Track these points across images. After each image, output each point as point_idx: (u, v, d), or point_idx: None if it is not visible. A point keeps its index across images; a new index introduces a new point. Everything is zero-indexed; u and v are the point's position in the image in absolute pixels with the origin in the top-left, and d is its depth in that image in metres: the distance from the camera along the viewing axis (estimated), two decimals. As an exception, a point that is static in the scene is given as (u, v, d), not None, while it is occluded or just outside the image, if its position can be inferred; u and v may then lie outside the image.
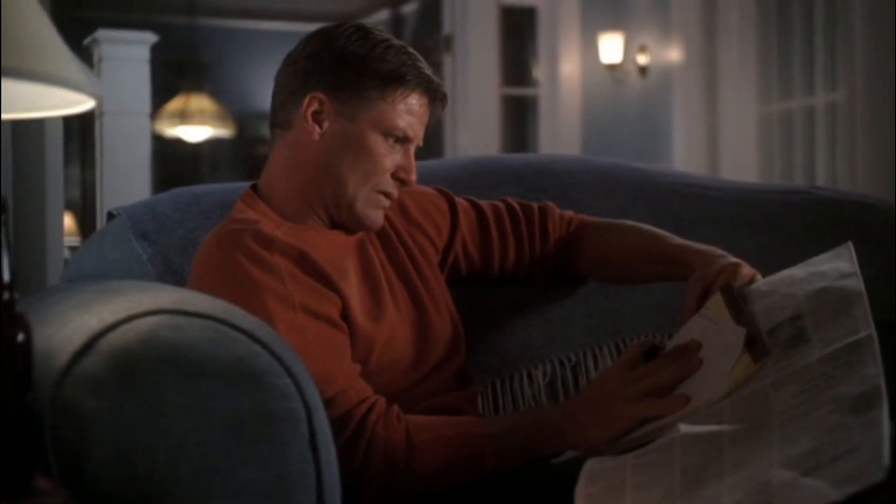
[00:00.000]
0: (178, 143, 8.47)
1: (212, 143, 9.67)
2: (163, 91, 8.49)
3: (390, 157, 1.58)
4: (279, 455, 1.15)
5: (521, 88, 7.06)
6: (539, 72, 6.94)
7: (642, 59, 6.38)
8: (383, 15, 10.20)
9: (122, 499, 1.09)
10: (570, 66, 6.76)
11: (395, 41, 1.60)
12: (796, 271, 1.51)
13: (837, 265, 1.46)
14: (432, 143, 7.56)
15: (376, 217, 1.60)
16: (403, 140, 1.58)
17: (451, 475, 1.44)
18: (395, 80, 1.56)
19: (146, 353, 1.11)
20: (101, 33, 3.61)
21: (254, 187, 1.64)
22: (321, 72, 1.57)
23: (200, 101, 7.79)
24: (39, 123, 3.59)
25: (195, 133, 7.93)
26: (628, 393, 1.42)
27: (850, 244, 1.48)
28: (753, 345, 1.38)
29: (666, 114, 6.25)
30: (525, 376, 1.82)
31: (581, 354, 1.85)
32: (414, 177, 1.60)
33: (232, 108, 9.87)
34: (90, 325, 1.13)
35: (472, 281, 1.80)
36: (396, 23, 9.80)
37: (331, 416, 1.38)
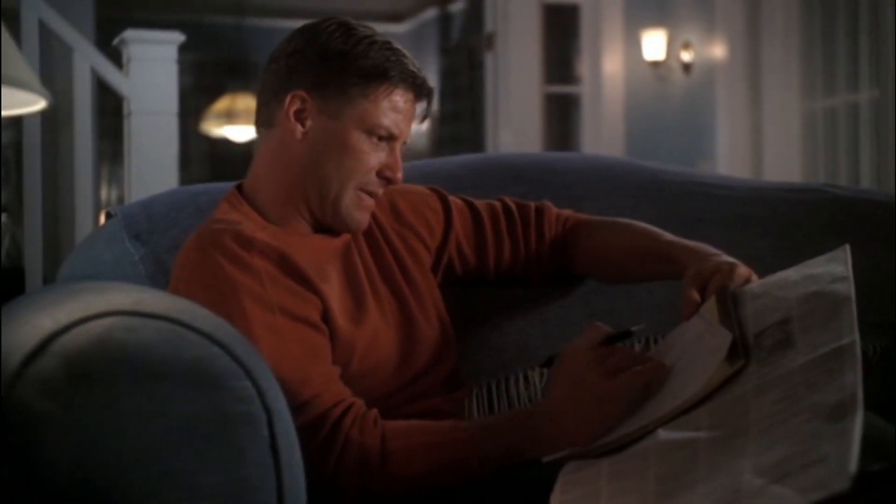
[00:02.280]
0: (228, 142, 8.53)
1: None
2: (210, 91, 8.56)
3: (375, 156, 1.56)
4: (237, 459, 1.13)
5: (563, 86, 7.01)
6: (582, 69, 6.88)
7: (686, 56, 6.30)
8: (431, 13, 10.20)
9: (76, 502, 1.08)
10: (613, 64, 6.70)
11: (380, 37, 1.58)
12: (791, 273, 1.47)
13: (831, 268, 1.42)
14: (474, 141, 7.55)
15: (361, 217, 1.58)
16: (388, 138, 1.56)
17: (430, 481, 1.41)
18: (378, 76, 1.54)
19: (100, 355, 1.10)
20: (129, 33, 3.61)
21: (240, 187, 1.63)
22: (304, 69, 1.55)
23: (247, 101, 7.83)
24: (69, 124, 3.62)
25: (241, 133, 7.98)
26: (602, 371, 1.38)
27: (847, 247, 1.44)
28: (734, 349, 1.35)
29: (709, 111, 6.17)
30: (521, 377, 1.80)
31: (579, 356, 1.82)
32: (400, 175, 1.58)
33: (281, 107, 9.93)
34: (44, 326, 1.11)
35: (469, 282, 1.77)
36: (444, 21, 9.80)
37: (305, 419, 1.37)
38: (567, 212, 1.81)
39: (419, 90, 1.59)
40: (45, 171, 3.47)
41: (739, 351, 1.35)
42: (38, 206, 3.41)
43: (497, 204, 1.78)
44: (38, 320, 1.13)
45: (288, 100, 1.55)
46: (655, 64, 6.45)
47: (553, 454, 1.38)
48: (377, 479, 1.39)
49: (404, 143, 1.61)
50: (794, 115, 5.90)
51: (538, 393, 1.80)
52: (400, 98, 1.56)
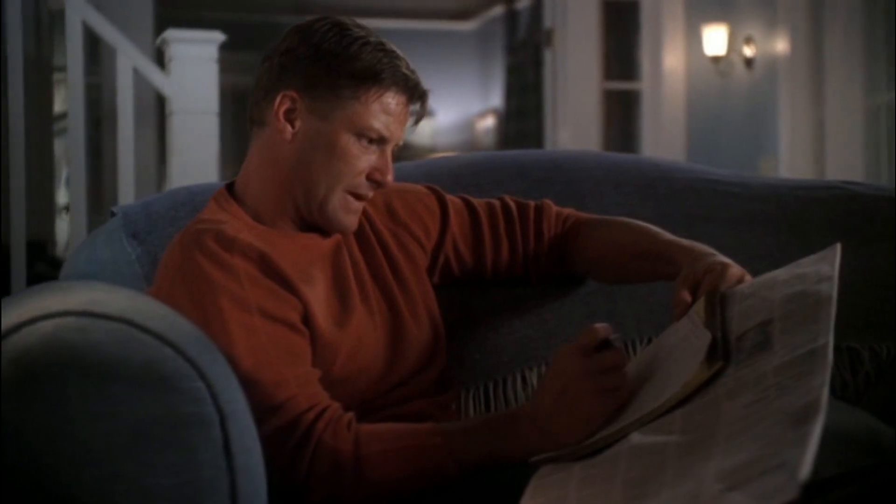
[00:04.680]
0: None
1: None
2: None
3: (364, 158, 1.54)
4: (189, 461, 1.13)
5: (623, 83, 6.95)
6: (642, 65, 6.81)
7: (748, 51, 6.20)
8: (497, 11, 10.19)
9: None
10: (673, 59, 6.62)
11: (374, 38, 1.56)
12: (781, 273, 1.43)
13: (819, 268, 1.38)
14: (531, 139, 7.51)
15: (349, 220, 1.57)
16: (379, 141, 1.55)
17: (406, 486, 1.39)
18: (370, 78, 1.52)
19: (49, 356, 1.10)
20: (170, 33, 3.65)
21: (230, 186, 1.63)
22: (295, 69, 1.54)
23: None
24: (112, 125, 3.67)
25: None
26: (595, 387, 1.34)
27: (838, 246, 1.39)
28: (715, 351, 1.32)
29: (772, 107, 6.06)
30: (519, 378, 1.77)
31: (578, 356, 1.79)
32: (390, 178, 1.56)
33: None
34: (-5, 326, 1.12)
35: (467, 282, 1.75)
36: (511, 18, 9.78)
37: (279, 423, 1.36)
38: (568, 210, 1.78)
39: (412, 92, 1.57)
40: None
41: (718, 353, 1.32)
42: (82, 204, 3.45)
43: (496, 203, 1.76)
44: (-9, 319, 1.14)
45: (278, 99, 1.54)
46: (716, 59, 6.35)
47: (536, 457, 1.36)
48: (350, 484, 1.37)
49: (397, 145, 1.58)
50: (857, 111, 5.77)
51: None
52: (392, 100, 1.54)
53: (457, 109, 10.72)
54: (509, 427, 1.40)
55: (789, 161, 5.91)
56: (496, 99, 10.15)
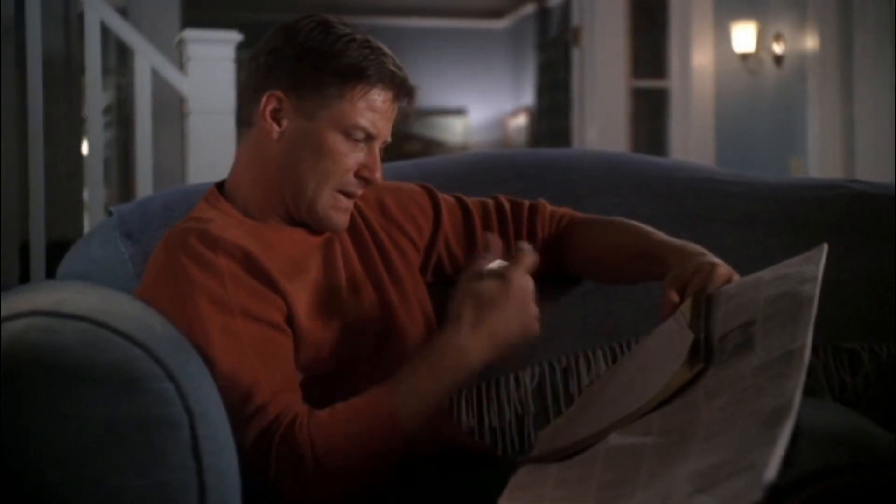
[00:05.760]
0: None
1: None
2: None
3: (352, 156, 1.54)
4: (157, 462, 1.13)
5: (651, 80, 6.90)
6: (670, 63, 6.77)
7: (777, 48, 6.14)
8: (530, 9, 10.17)
9: (-9, 505, 1.09)
10: (702, 57, 6.57)
11: (360, 35, 1.55)
12: (766, 273, 1.42)
13: (803, 269, 1.36)
14: (563, 137, 7.48)
15: (339, 218, 1.56)
16: (366, 138, 1.54)
17: (369, 463, 1.38)
18: (355, 75, 1.52)
19: (16, 357, 1.10)
20: (188, 33, 3.66)
21: (221, 186, 1.63)
22: (281, 68, 1.54)
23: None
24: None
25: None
26: (498, 282, 1.44)
27: (825, 247, 1.37)
28: (696, 352, 1.31)
29: (801, 105, 5.99)
30: (512, 379, 1.76)
31: (573, 357, 1.78)
32: (378, 175, 1.56)
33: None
34: (-38, 326, 1.12)
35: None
36: (543, 16, 9.76)
37: (252, 429, 1.36)
38: (562, 210, 1.77)
39: (399, 89, 1.56)
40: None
41: (700, 354, 1.31)
42: (101, 203, 3.47)
43: (490, 202, 1.75)
44: (-40, 320, 1.14)
45: (265, 99, 1.54)
46: (745, 56, 6.29)
47: (472, 381, 1.48)
48: (316, 483, 1.36)
49: (385, 142, 1.58)
50: (888, 108, 5.70)
51: (528, 394, 1.76)
52: (378, 97, 1.54)
53: (489, 107, 10.71)
54: (438, 362, 1.43)
55: (819, 160, 5.85)
56: (528, 97, 10.13)
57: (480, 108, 10.71)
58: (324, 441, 1.36)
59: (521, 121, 10.43)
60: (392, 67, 1.54)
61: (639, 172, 1.94)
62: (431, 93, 10.51)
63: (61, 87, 4.42)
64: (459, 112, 10.68)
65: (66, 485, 1.09)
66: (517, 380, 1.76)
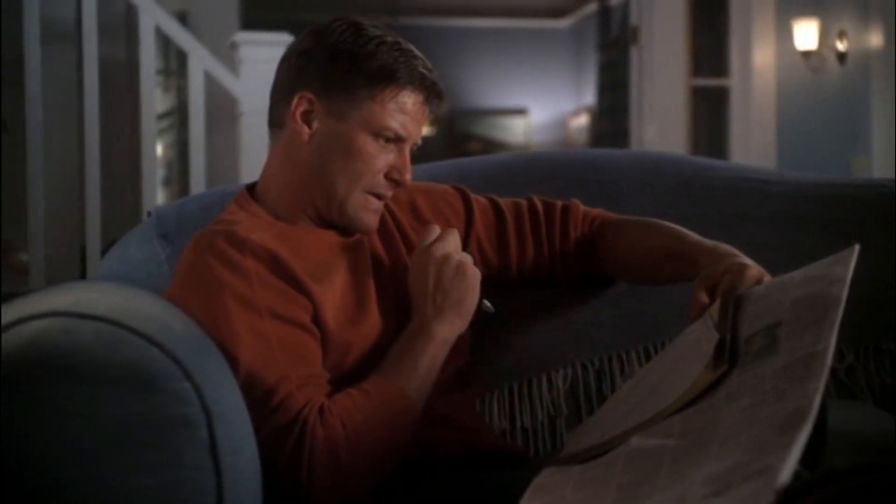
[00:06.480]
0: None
1: (423, 142, 9.81)
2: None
3: (382, 158, 1.54)
4: (173, 462, 1.14)
5: (711, 79, 6.83)
6: (731, 61, 6.69)
7: (840, 46, 6.05)
8: (592, 8, 10.12)
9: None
10: (763, 55, 6.49)
11: (390, 38, 1.55)
12: (795, 274, 1.39)
13: (833, 270, 1.34)
14: (625, 136, 7.43)
15: (370, 219, 1.57)
16: (396, 140, 1.54)
17: (391, 445, 1.43)
18: (385, 77, 1.52)
19: (35, 357, 1.12)
20: (240, 35, 3.69)
21: (252, 187, 1.64)
22: (312, 70, 1.55)
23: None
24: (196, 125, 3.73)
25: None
26: (443, 254, 1.53)
27: (857, 247, 1.34)
28: (721, 354, 1.29)
29: (865, 104, 5.90)
30: (544, 380, 1.75)
31: (606, 358, 1.77)
32: (409, 176, 1.56)
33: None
34: (-15, 327, 1.14)
35: (493, 283, 1.73)
36: (605, 15, 9.70)
37: (277, 424, 1.37)
38: (596, 211, 1.76)
39: (429, 91, 1.56)
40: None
41: (725, 356, 1.29)
42: (154, 205, 3.51)
43: (523, 203, 1.75)
44: (-16, 321, 1.16)
45: (295, 101, 1.55)
46: (807, 54, 6.20)
47: (448, 345, 1.52)
48: (349, 466, 1.38)
49: (416, 144, 1.58)
50: (952, 106, 5.60)
51: (561, 396, 1.75)
52: (408, 99, 1.54)
53: (550, 107, 10.68)
54: (419, 342, 1.50)
55: (882, 160, 5.75)
56: (590, 96, 10.09)
57: (542, 107, 10.69)
58: (352, 426, 1.38)
59: (582, 120, 10.39)
60: (422, 70, 1.55)
61: (675, 172, 1.92)
62: (493, 93, 10.52)
63: (122, 92, 4.48)
64: (520, 112, 10.67)
65: (82, 482, 1.10)
66: (549, 381, 1.75)
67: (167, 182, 7.78)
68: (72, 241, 3.95)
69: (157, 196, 5.00)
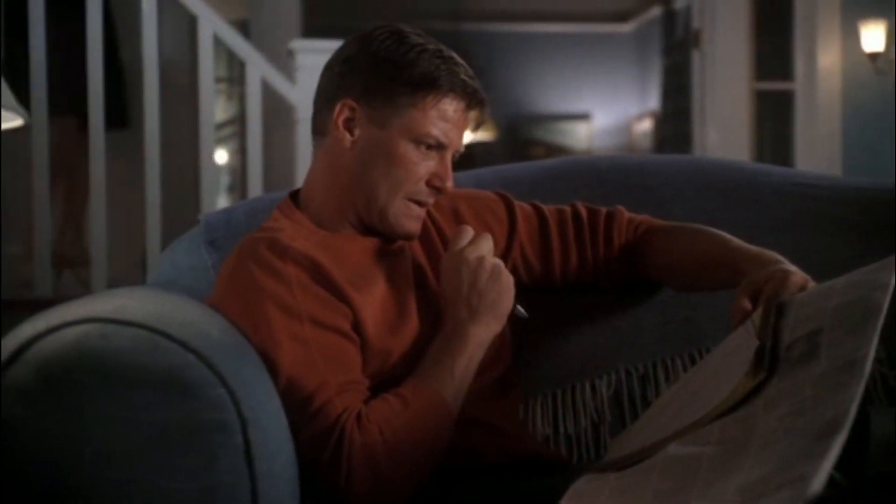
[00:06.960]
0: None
1: (484, 147, 9.83)
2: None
3: (424, 165, 1.55)
4: (208, 467, 1.15)
5: (775, 82, 6.74)
6: (795, 64, 6.60)
7: (908, 48, 5.96)
8: (656, 11, 10.07)
9: (46, 508, 1.12)
10: (829, 57, 6.40)
11: (432, 45, 1.56)
12: (838, 281, 1.37)
13: (877, 276, 1.32)
14: (682, 142, 7.37)
15: (410, 226, 1.57)
16: (437, 147, 1.55)
17: (430, 448, 1.43)
18: (427, 85, 1.53)
19: (73, 362, 1.14)
20: (296, 43, 3.72)
21: (295, 195, 1.65)
22: (354, 77, 1.55)
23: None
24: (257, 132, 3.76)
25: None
26: (477, 258, 1.52)
27: None
28: (760, 361, 1.28)
29: (933, 106, 5.80)
30: (588, 387, 1.74)
31: (651, 365, 1.76)
32: (450, 183, 1.56)
33: (502, 112, 10.00)
34: (24, 332, 1.16)
35: (537, 289, 1.73)
36: (669, 19, 9.65)
37: (317, 429, 1.38)
38: (641, 217, 1.75)
39: (470, 99, 1.56)
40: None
41: (764, 363, 1.28)
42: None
43: (567, 209, 1.74)
44: (23, 327, 1.18)
45: (338, 108, 1.56)
46: (874, 56, 6.11)
47: (483, 348, 1.51)
48: (388, 472, 1.38)
49: (457, 151, 1.58)
50: None
51: (604, 402, 1.74)
52: (449, 107, 1.54)
53: (614, 112, 10.63)
54: (454, 336, 1.50)
55: (951, 163, 5.65)
56: (653, 101, 10.03)
57: (605, 112, 10.64)
58: (389, 431, 1.39)
59: (646, 125, 10.33)
60: (464, 77, 1.55)
61: (724, 178, 1.91)
62: (555, 98, 10.50)
63: (189, 99, 4.53)
64: (583, 117, 10.63)
65: (119, 485, 1.12)
66: (593, 387, 1.75)
67: (232, 188, 7.87)
68: (133, 250, 4.00)
69: (220, 202, 5.06)
